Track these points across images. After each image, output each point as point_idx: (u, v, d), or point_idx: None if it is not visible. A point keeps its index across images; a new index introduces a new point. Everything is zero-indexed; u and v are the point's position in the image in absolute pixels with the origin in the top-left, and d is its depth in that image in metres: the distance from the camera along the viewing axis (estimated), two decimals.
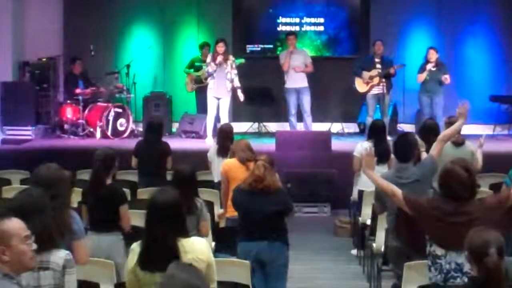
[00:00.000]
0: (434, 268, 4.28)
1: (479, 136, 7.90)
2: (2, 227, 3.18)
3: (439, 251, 4.24)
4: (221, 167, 6.96)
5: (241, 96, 11.09)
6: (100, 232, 5.53)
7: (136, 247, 3.80)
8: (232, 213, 6.49)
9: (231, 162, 6.80)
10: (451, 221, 4.20)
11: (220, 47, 10.87)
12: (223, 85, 10.93)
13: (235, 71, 10.98)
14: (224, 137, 7.88)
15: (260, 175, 5.40)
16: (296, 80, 11.58)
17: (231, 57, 11.01)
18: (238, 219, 5.74)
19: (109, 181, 5.80)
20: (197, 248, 3.76)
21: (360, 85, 11.64)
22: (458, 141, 7.35)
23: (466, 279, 4.04)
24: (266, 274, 5.46)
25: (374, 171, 5.14)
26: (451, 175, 4.31)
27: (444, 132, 5.90)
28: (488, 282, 3.28)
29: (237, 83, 10.98)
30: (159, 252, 3.66)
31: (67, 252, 3.81)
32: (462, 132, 6.82)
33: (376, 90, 11.50)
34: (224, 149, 7.74)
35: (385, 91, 11.43)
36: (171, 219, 3.74)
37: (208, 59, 11.10)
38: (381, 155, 7.43)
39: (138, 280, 3.74)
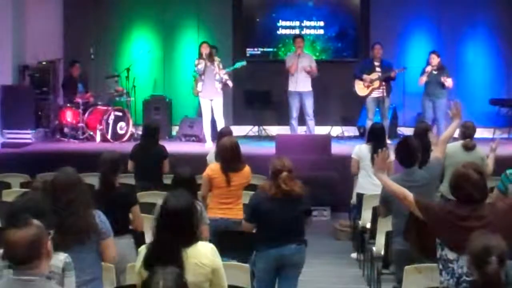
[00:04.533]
0: (446, 272, 4.20)
1: (481, 139, 7.89)
2: (38, 223, 3.13)
3: (451, 255, 4.16)
4: (205, 170, 6.56)
5: (229, 83, 11.29)
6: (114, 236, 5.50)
7: (143, 249, 3.80)
8: (213, 214, 6.29)
9: (215, 167, 6.44)
10: (465, 225, 4.11)
11: (205, 47, 11.03)
12: (212, 85, 11.01)
13: (224, 71, 11.09)
14: None
15: (288, 189, 5.35)
16: (301, 83, 11.54)
17: (216, 58, 11.13)
18: (256, 229, 5.55)
19: (117, 184, 5.80)
20: (201, 253, 3.71)
21: (360, 89, 11.64)
22: (469, 146, 7.33)
23: None
24: (282, 278, 5.42)
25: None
26: (464, 178, 4.24)
27: (444, 134, 5.93)
28: None
29: (226, 77, 11.14)
30: (163, 258, 3.61)
31: (66, 255, 3.82)
32: None
33: (376, 94, 11.51)
34: None
35: (385, 94, 11.44)
36: (181, 227, 3.66)
37: (196, 62, 11.12)
38: None
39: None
